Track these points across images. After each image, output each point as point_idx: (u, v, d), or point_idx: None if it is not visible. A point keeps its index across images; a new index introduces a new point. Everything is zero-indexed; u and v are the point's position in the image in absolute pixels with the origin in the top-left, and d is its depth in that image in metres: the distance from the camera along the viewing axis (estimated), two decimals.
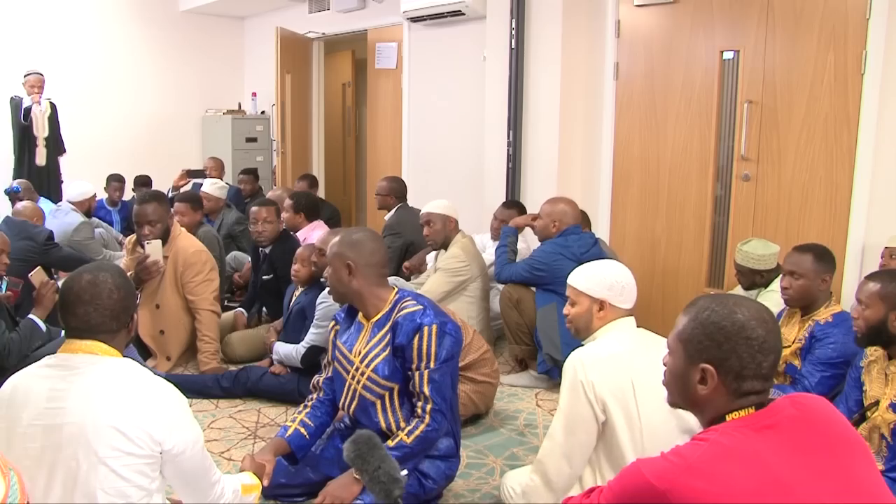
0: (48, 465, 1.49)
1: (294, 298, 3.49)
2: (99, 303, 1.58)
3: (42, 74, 5.99)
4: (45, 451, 1.49)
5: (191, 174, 5.99)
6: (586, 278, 2.09)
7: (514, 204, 4.32)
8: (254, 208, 3.99)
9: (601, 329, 2.04)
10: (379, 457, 1.96)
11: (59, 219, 4.76)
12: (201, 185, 5.62)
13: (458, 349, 2.25)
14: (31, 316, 3.01)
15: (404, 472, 2.03)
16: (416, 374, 2.14)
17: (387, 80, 6.38)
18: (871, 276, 2.24)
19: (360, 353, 2.25)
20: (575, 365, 1.85)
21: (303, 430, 2.30)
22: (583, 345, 2.05)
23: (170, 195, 5.90)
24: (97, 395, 1.51)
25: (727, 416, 1.26)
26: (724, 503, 1.12)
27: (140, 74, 7.14)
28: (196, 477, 1.64)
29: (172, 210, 4.42)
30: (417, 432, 2.12)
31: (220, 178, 6.06)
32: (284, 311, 3.58)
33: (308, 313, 3.32)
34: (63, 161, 6.26)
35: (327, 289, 3.17)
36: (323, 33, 6.74)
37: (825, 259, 2.66)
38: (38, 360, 1.67)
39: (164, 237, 3.59)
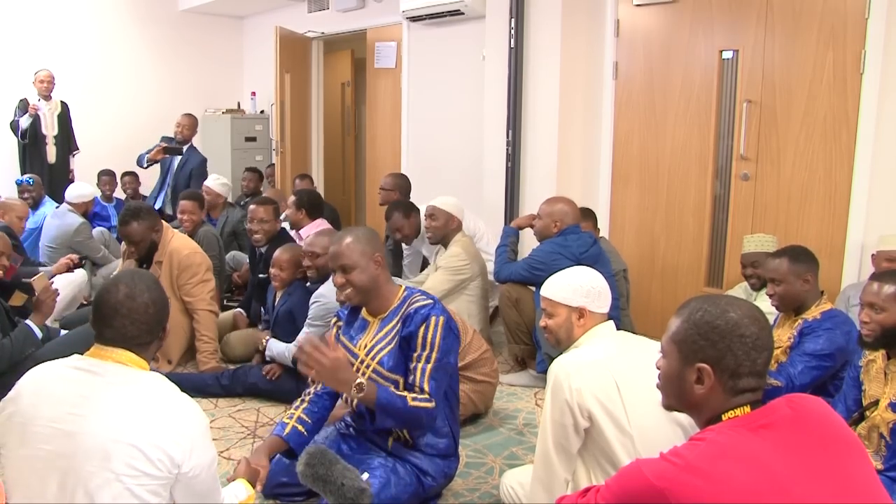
0: (60, 471, 1.47)
1: (277, 299, 3.47)
2: (136, 317, 1.59)
3: (52, 71, 5.99)
4: (59, 457, 1.47)
5: (167, 150, 5.80)
6: (561, 288, 2.07)
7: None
8: (251, 207, 3.98)
9: (583, 336, 2.03)
10: (339, 472, 1.96)
11: (59, 219, 4.77)
12: (177, 150, 5.73)
13: (458, 346, 2.27)
14: (27, 322, 2.99)
15: (365, 475, 2.04)
16: (418, 367, 2.15)
17: (386, 80, 6.38)
18: (879, 279, 2.17)
19: (365, 346, 2.26)
20: (558, 372, 1.84)
21: (300, 427, 2.29)
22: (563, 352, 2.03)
23: (144, 163, 5.85)
24: (121, 410, 1.49)
25: (723, 416, 1.26)
26: (722, 502, 1.13)
27: (139, 74, 7.14)
28: (204, 498, 1.61)
29: (178, 209, 4.46)
30: (421, 404, 2.10)
31: (191, 137, 5.91)
32: (270, 313, 3.55)
33: (296, 313, 3.32)
34: (76, 160, 6.25)
35: (321, 288, 3.19)
36: (322, 33, 6.74)
37: (801, 259, 2.62)
38: (34, 364, 1.65)
39: (153, 248, 3.58)
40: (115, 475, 1.44)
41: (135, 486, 1.46)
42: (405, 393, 2.13)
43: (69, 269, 4.15)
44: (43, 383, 1.56)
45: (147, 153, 5.84)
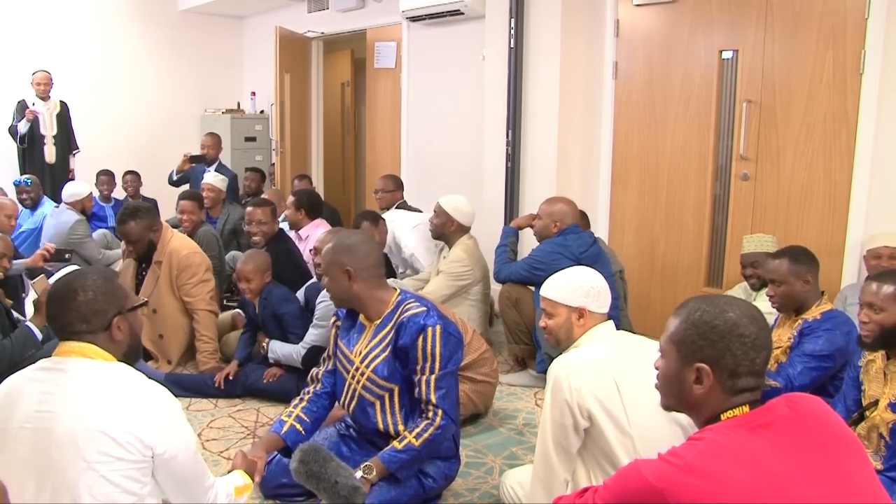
0: (37, 469, 1.47)
1: (257, 307, 3.41)
2: (66, 303, 1.58)
3: (49, 72, 5.99)
4: (34, 455, 1.48)
5: (193, 159, 5.98)
6: (561, 288, 2.07)
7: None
8: (249, 209, 3.94)
9: (583, 336, 2.03)
10: (333, 470, 1.96)
11: (56, 218, 4.77)
12: (204, 170, 5.75)
13: (461, 349, 2.25)
14: (27, 323, 2.99)
15: (359, 473, 2.04)
16: (423, 379, 2.14)
17: (386, 80, 6.38)
18: (878, 279, 2.17)
19: (360, 353, 2.25)
20: (558, 372, 1.84)
21: (298, 425, 2.29)
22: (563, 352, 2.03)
23: (174, 178, 6.01)
24: (87, 399, 1.49)
25: (722, 416, 1.26)
26: (721, 502, 1.12)
27: (139, 74, 7.14)
28: (189, 482, 1.61)
29: (178, 209, 4.46)
30: (427, 434, 2.12)
31: (218, 155, 6.02)
32: (256, 318, 3.47)
33: (280, 314, 3.30)
34: (76, 160, 6.24)
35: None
36: (322, 33, 6.74)
37: (801, 260, 2.62)
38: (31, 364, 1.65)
39: (152, 248, 3.58)
40: (87, 464, 1.45)
41: (109, 473, 1.46)
42: (405, 434, 2.13)
43: (45, 260, 4.09)
44: (14, 389, 1.57)
45: (174, 172, 5.98)
